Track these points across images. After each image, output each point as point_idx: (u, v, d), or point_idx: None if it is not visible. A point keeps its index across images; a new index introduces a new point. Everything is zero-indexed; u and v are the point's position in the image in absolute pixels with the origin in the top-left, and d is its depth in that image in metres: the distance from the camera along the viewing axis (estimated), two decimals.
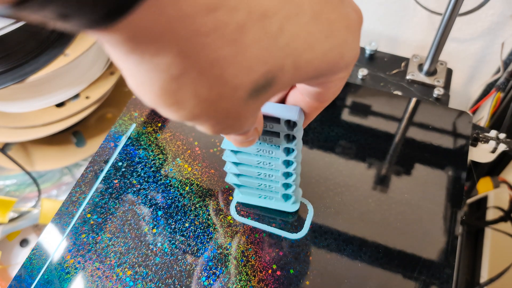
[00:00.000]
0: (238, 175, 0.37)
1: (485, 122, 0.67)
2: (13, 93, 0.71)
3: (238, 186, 0.39)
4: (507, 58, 0.65)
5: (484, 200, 0.80)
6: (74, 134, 0.83)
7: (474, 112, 0.71)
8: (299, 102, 0.28)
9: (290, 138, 0.32)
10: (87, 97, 0.75)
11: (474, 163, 0.76)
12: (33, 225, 0.81)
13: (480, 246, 0.77)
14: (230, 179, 0.38)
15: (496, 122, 0.64)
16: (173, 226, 0.43)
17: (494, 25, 0.68)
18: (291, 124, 0.30)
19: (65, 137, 0.82)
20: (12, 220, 0.78)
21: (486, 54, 0.69)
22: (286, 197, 0.40)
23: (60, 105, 0.74)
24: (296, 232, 0.43)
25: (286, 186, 0.38)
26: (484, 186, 0.78)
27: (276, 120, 0.30)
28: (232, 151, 0.35)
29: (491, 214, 0.80)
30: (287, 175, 0.36)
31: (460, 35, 0.69)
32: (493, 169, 0.78)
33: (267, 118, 0.30)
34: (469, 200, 0.79)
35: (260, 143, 0.33)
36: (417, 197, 0.45)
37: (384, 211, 0.45)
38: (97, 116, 0.84)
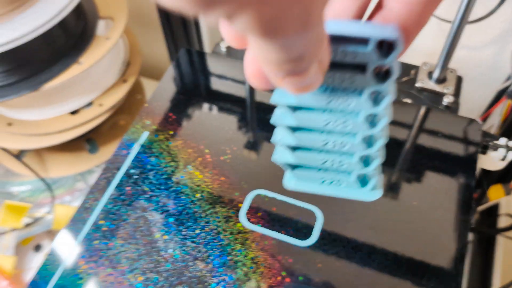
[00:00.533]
0: (294, 149, 0.24)
1: (495, 129, 0.67)
2: (28, 101, 0.72)
3: (293, 167, 0.25)
4: None
5: (495, 207, 0.79)
6: (87, 141, 0.84)
7: (485, 119, 0.71)
8: (390, 15, 0.19)
9: (380, 76, 0.20)
10: (100, 105, 0.76)
11: (485, 170, 0.76)
12: (47, 231, 0.82)
13: (492, 253, 0.76)
14: (281, 157, 0.25)
15: (507, 129, 0.64)
16: (184, 232, 0.44)
17: (504, 32, 0.68)
18: (383, 50, 0.19)
19: (78, 144, 0.84)
20: (26, 225, 0.79)
21: (496, 61, 0.69)
22: (363, 181, 0.25)
23: (74, 112, 0.75)
24: (305, 239, 0.43)
25: (366, 162, 0.24)
26: (495, 193, 0.77)
27: (361, 43, 0.19)
28: (288, 106, 0.22)
29: (503, 221, 0.80)
30: (369, 142, 0.23)
31: (470, 42, 0.69)
32: (505, 176, 0.78)
33: (344, 43, 0.19)
34: (480, 208, 0.78)
35: (329, 90, 0.21)
36: (426, 204, 0.46)
37: (393, 218, 0.45)
38: (110, 123, 0.86)
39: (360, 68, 0.20)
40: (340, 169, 0.24)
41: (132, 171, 0.49)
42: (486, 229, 0.79)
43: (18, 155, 0.82)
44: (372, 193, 0.24)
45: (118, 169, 0.49)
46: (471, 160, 0.48)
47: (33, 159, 0.84)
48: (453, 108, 0.56)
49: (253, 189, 0.46)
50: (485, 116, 0.63)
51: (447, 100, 0.56)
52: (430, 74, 0.59)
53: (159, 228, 0.44)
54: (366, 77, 0.19)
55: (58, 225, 0.77)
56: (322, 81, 0.19)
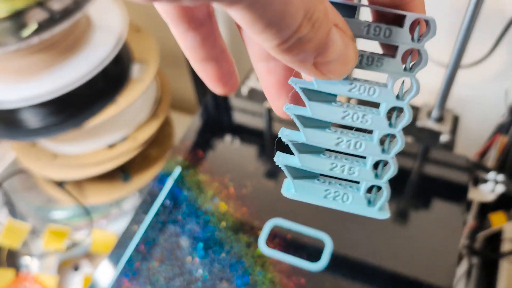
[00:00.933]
0: (300, 149, 0.21)
1: (493, 163, 0.73)
2: (71, 137, 0.81)
3: (294, 175, 0.22)
4: None
5: (498, 233, 0.85)
6: (121, 170, 0.93)
7: (483, 154, 0.77)
8: None
9: (408, 63, 0.19)
10: (134, 139, 0.85)
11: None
12: (85, 253, 0.91)
13: (495, 278, 0.81)
14: (284, 158, 0.21)
15: (502, 163, 0.70)
16: (211, 256, 0.52)
17: (499, 73, 0.75)
18: (415, 34, 0.18)
19: (113, 173, 0.93)
20: (67, 248, 0.88)
21: (493, 100, 0.76)
22: (371, 199, 0.22)
23: (111, 146, 0.84)
24: (316, 263, 0.50)
25: (376, 175, 0.21)
26: (497, 220, 0.83)
27: (395, 20, 0.19)
28: (303, 89, 0.20)
29: (507, 246, 0.85)
30: (386, 144, 0.21)
31: (467, 82, 0.76)
32: (507, 203, 0.83)
33: (374, 20, 0.19)
34: (484, 233, 0.84)
35: (350, 83, 0.19)
36: (422, 232, 0.52)
37: (394, 244, 0.52)
38: (142, 155, 0.94)
39: (389, 52, 0.19)
40: (349, 177, 0.21)
41: (167, 202, 0.57)
42: (489, 253, 0.84)
43: (60, 184, 0.91)
44: (379, 213, 0.21)
45: (154, 200, 0.57)
46: (462, 193, 0.55)
47: (73, 187, 0.93)
48: (449, 145, 0.63)
49: (270, 218, 0.54)
50: (481, 151, 0.69)
51: (443, 138, 0.63)
52: (429, 114, 0.67)
53: (190, 252, 0.52)
54: (396, 60, 0.19)
55: (96, 248, 0.85)
56: (356, 54, 0.18)
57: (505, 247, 0.85)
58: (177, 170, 0.60)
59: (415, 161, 0.61)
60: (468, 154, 0.67)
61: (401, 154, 0.60)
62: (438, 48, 0.72)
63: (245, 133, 0.65)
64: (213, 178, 0.59)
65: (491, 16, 0.69)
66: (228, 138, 0.65)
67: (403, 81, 0.20)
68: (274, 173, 0.59)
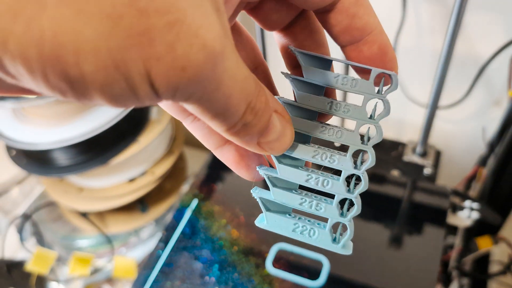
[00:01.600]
0: (274, 184, 0.23)
1: (475, 194, 0.82)
2: (96, 172, 0.91)
3: (270, 205, 0.24)
4: (491, 139, 0.81)
5: (486, 256, 0.92)
6: (139, 202, 1.02)
7: (468, 185, 0.85)
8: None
9: (374, 111, 0.22)
10: (152, 173, 0.94)
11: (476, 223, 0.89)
12: (108, 278, 0.99)
13: None
14: (259, 192, 0.24)
15: (483, 192, 0.79)
16: (225, 276, 0.60)
17: (477, 113, 0.84)
18: (381, 86, 0.21)
19: (133, 204, 1.02)
20: (91, 273, 0.96)
21: (472, 136, 0.85)
22: (335, 236, 0.24)
23: (131, 180, 0.94)
24: (316, 280, 0.58)
25: (342, 214, 0.23)
26: (484, 243, 0.90)
27: (364, 72, 0.21)
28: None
29: (495, 268, 0.92)
30: (352, 182, 0.22)
31: (449, 120, 0.86)
32: (491, 228, 0.91)
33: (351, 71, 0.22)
34: (472, 256, 0.91)
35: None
36: (407, 253, 0.61)
37: (383, 265, 0.60)
38: (158, 187, 1.03)
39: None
40: (317, 213, 0.23)
41: (186, 230, 0.66)
42: (479, 275, 0.92)
43: (84, 215, 1.01)
44: (343, 250, 0.23)
45: (175, 228, 0.66)
46: (442, 219, 0.64)
47: (96, 217, 1.02)
48: (431, 178, 0.72)
49: (276, 243, 0.62)
50: (466, 182, 0.78)
51: (426, 171, 0.72)
52: (414, 149, 0.76)
53: (207, 272, 0.61)
54: (361, 108, 0.21)
55: (117, 273, 0.94)
56: (292, 133, 0.21)
57: (493, 268, 0.93)
58: (194, 202, 0.69)
59: (402, 191, 0.69)
60: (451, 184, 0.76)
61: (389, 185, 0.69)
62: (421, 90, 0.82)
63: None
64: (226, 208, 0.68)
65: (466, 62, 0.79)
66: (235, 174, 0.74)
67: (369, 127, 0.22)
68: None
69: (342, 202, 0.23)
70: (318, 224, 0.23)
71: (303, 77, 0.22)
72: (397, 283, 0.58)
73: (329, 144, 0.23)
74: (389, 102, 0.21)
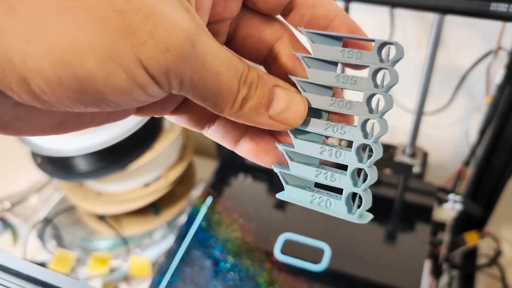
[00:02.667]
0: (292, 158, 0.24)
1: (462, 190, 0.90)
2: (114, 178, 0.99)
3: (289, 178, 0.25)
4: (473, 141, 0.90)
5: (473, 249, 1.00)
6: (153, 206, 1.10)
7: (455, 183, 0.94)
8: None
9: (376, 81, 0.22)
10: (166, 178, 1.02)
11: (463, 219, 0.97)
12: (124, 277, 1.06)
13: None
14: (279, 167, 0.25)
15: (467, 189, 0.87)
16: (240, 263, 0.68)
17: (460, 118, 0.93)
18: (386, 53, 0.21)
19: (146, 208, 1.09)
20: (109, 273, 1.03)
21: (457, 139, 0.94)
22: (351, 201, 0.24)
23: (146, 185, 1.02)
24: (319, 264, 0.66)
25: (355, 177, 0.23)
26: (471, 238, 0.99)
27: (364, 46, 0.22)
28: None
29: (482, 260, 1.00)
30: (364, 151, 0.23)
31: (435, 125, 0.94)
32: (478, 223, 0.99)
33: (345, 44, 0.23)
34: (461, 249, 0.99)
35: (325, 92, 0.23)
36: (397, 242, 0.69)
37: (378, 253, 0.68)
38: (169, 192, 1.11)
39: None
40: (331, 183, 0.24)
41: (199, 234, 0.74)
42: (468, 267, 0.99)
43: (101, 218, 1.08)
44: (359, 219, 0.23)
45: (188, 231, 0.74)
46: (428, 211, 0.72)
47: (112, 220, 1.09)
48: (420, 175, 0.80)
49: (282, 233, 0.71)
50: (450, 181, 0.87)
51: (415, 170, 0.81)
52: (403, 151, 0.84)
53: (220, 265, 0.69)
54: (367, 78, 0.21)
55: (134, 271, 1.01)
56: (303, 101, 0.22)
57: (481, 261, 1.01)
58: (209, 200, 0.77)
59: (394, 188, 0.78)
60: (438, 183, 0.85)
61: (382, 183, 0.77)
62: (409, 98, 0.91)
63: (254, 174, 0.83)
64: (236, 207, 0.76)
65: (449, 72, 0.89)
66: (242, 177, 0.82)
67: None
68: (282, 202, 0.76)
69: (358, 174, 0.23)
70: (335, 196, 0.24)
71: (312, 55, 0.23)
72: (387, 270, 0.66)
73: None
74: (396, 71, 0.21)
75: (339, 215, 0.24)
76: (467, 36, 0.82)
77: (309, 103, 0.23)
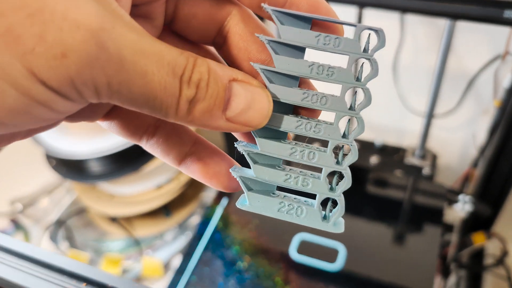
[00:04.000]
0: (254, 159, 0.21)
1: (470, 190, 0.92)
2: (128, 180, 1.01)
3: (250, 183, 0.21)
4: (482, 143, 0.91)
5: (481, 250, 1.02)
6: (164, 207, 1.12)
7: (464, 183, 0.95)
8: None
9: (360, 73, 0.19)
10: (178, 180, 1.04)
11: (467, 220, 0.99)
12: (136, 277, 1.07)
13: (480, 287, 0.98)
14: (239, 170, 0.22)
15: (475, 189, 0.89)
16: (256, 263, 0.70)
17: (468, 121, 0.95)
18: (366, 42, 0.19)
19: (158, 209, 1.11)
20: (121, 273, 1.05)
21: (463, 141, 0.96)
22: (325, 214, 0.21)
23: (159, 187, 1.03)
24: (334, 263, 0.68)
25: (331, 188, 0.21)
26: (478, 239, 1.00)
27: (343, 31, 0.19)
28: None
29: (489, 260, 1.02)
30: (340, 153, 0.20)
31: (443, 127, 0.96)
32: (485, 224, 1.01)
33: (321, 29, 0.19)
34: (468, 250, 1.01)
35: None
36: (409, 243, 0.71)
37: (391, 253, 0.70)
38: (181, 194, 1.13)
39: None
40: (303, 189, 0.21)
41: (215, 236, 0.75)
42: (475, 267, 1.01)
43: (113, 219, 1.10)
44: (334, 227, 0.21)
45: (204, 232, 0.76)
46: (440, 211, 0.74)
47: (124, 222, 1.11)
48: (430, 177, 0.82)
49: (296, 232, 0.72)
50: (458, 182, 0.89)
51: (425, 172, 0.83)
52: (413, 153, 0.86)
53: (237, 264, 0.70)
54: (347, 70, 0.19)
55: (146, 272, 1.03)
56: (268, 97, 0.18)
57: (488, 261, 1.02)
58: (219, 212, 0.79)
59: (405, 190, 0.80)
60: (448, 183, 0.87)
61: (393, 184, 0.79)
62: (418, 102, 0.93)
63: None
64: (243, 219, 0.78)
65: (457, 76, 0.90)
66: None
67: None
68: None
69: (330, 177, 0.21)
70: (305, 201, 0.21)
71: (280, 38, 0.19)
72: (400, 271, 0.68)
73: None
74: (377, 62, 0.18)
75: (312, 224, 0.21)
76: (475, 41, 0.84)
77: (276, 97, 0.19)
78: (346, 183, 0.20)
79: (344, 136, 0.20)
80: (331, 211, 0.21)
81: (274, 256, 0.70)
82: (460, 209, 0.75)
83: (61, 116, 0.15)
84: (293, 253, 0.70)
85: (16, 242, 0.36)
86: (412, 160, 0.86)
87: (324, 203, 0.21)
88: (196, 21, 0.20)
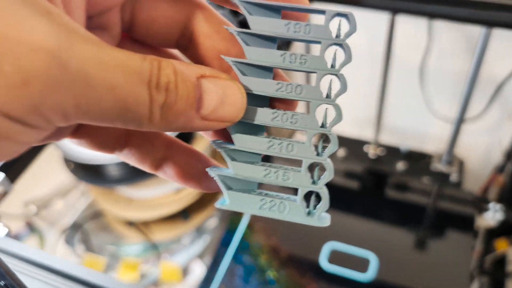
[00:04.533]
0: (232, 156, 0.20)
1: (494, 197, 0.91)
2: (146, 183, 1.00)
3: (231, 182, 0.21)
4: (507, 149, 0.90)
5: (503, 257, 1.01)
6: (182, 210, 1.10)
7: (486, 190, 0.94)
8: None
9: (334, 59, 0.19)
10: None
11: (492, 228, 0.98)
12: (154, 282, 1.06)
13: None
14: (216, 170, 0.21)
15: (502, 195, 0.88)
16: (287, 272, 0.69)
17: (495, 126, 0.94)
18: (337, 28, 0.19)
19: (175, 213, 1.10)
20: (140, 277, 1.04)
21: (490, 146, 0.95)
22: (306, 202, 0.20)
23: (177, 191, 1.02)
24: (365, 273, 0.67)
25: (313, 182, 0.20)
26: (501, 245, 0.99)
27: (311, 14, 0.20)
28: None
29: (511, 267, 1.01)
30: (320, 144, 0.20)
31: (471, 131, 0.95)
32: (508, 230, 1.00)
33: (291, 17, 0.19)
34: (491, 256, 1.00)
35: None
36: (437, 252, 0.70)
37: (418, 265, 0.69)
38: (199, 197, 1.12)
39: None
40: (284, 183, 0.20)
41: (243, 243, 0.74)
42: (497, 274, 1.00)
43: (131, 223, 1.09)
44: (319, 221, 0.20)
45: (231, 241, 0.75)
46: (470, 220, 0.73)
47: (141, 226, 1.10)
48: (457, 184, 0.81)
49: (325, 241, 0.71)
50: (484, 188, 0.88)
51: (452, 178, 0.81)
52: (440, 159, 0.85)
53: (269, 267, 0.69)
54: (320, 57, 0.18)
55: (165, 277, 1.02)
56: (241, 88, 0.18)
57: (510, 268, 1.01)
58: (244, 223, 0.78)
59: (431, 197, 0.78)
60: (474, 189, 0.85)
61: (419, 191, 0.78)
62: (444, 106, 0.92)
63: None
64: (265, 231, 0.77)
65: (485, 81, 0.89)
66: None
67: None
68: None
69: (311, 167, 0.20)
70: (287, 197, 0.20)
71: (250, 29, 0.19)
72: (431, 281, 0.67)
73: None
74: (350, 47, 0.18)
75: (296, 219, 0.20)
76: (504, 46, 0.83)
77: (250, 89, 0.19)
78: (328, 175, 0.19)
79: (322, 126, 0.19)
80: (315, 206, 0.20)
81: (304, 265, 0.69)
82: (491, 218, 0.74)
83: (26, 147, 0.15)
84: (324, 263, 0.69)
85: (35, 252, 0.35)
86: (438, 166, 0.84)
87: (308, 198, 0.20)
88: (155, 25, 0.20)
